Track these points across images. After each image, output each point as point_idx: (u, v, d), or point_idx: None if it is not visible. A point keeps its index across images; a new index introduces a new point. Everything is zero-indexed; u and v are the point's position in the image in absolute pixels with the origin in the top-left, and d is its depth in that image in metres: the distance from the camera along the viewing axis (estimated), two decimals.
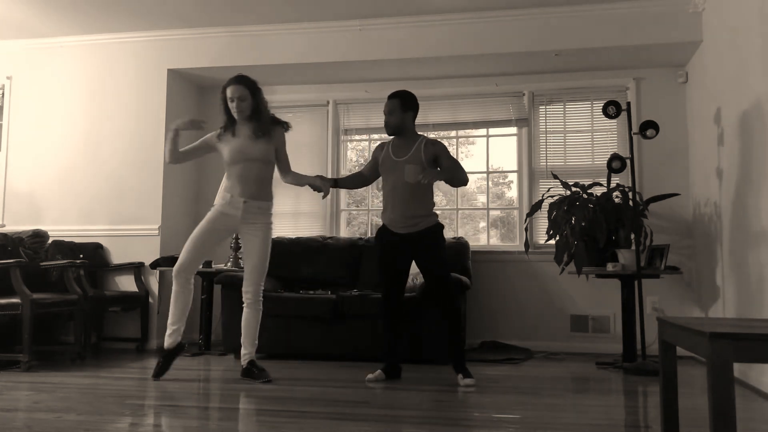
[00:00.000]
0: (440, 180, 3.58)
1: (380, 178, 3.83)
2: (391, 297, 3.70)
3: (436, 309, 4.07)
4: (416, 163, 3.59)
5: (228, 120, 3.66)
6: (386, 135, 3.60)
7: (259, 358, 4.48)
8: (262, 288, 3.64)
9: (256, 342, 3.66)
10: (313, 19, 5.00)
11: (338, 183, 3.83)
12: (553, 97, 5.27)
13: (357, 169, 5.61)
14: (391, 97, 3.72)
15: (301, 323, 4.41)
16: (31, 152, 5.39)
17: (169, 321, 3.65)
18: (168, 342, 3.65)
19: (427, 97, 5.39)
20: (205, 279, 4.85)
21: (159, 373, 3.62)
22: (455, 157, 3.98)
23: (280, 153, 3.70)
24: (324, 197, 3.72)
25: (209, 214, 3.63)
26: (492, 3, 4.68)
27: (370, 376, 3.60)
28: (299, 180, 3.74)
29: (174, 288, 3.62)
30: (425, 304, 4.20)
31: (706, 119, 4.42)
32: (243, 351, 3.65)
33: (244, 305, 3.63)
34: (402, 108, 3.67)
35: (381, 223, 3.75)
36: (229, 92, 3.57)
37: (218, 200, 3.66)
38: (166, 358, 3.66)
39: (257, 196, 3.61)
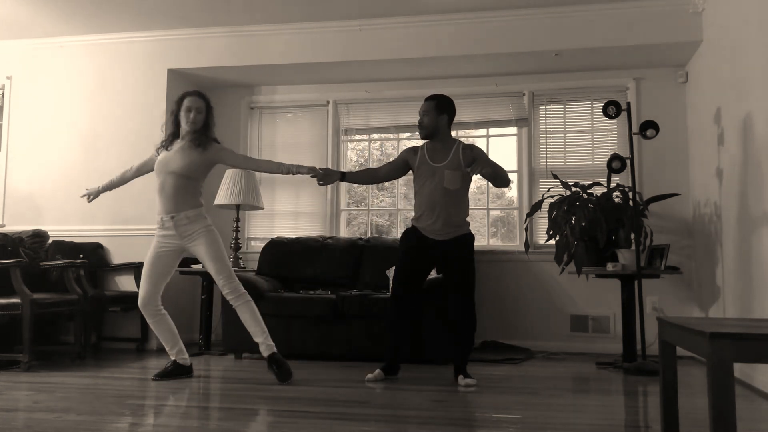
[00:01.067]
0: (485, 173, 3.47)
1: (389, 179, 3.83)
2: (405, 299, 3.63)
3: (437, 309, 4.09)
4: (455, 168, 3.56)
5: (172, 133, 3.65)
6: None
7: (259, 359, 4.49)
8: (238, 281, 3.60)
9: (266, 330, 3.61)
10: (313, 19, 5.00)
11: (346, 177, 3.77)
12: (553, 97, 5.27)
13: (357, 169, 5.64)
14: (428, 99, 3.69)
15: (301, 323, 4.40)
16: (31, 152, 5.39)
17: (167, 348, 3.69)
18: (179, 359, 3.68)
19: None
20: (205, 279, 4.85)
21: (162, 376, 3.61)
22: None
23: (230, 159, 3.68)
24: (321, 185, 3.68)
25: (152, 242, 3.63)
26: (492, 3, 4.68)
27: (369, 375, 3.59)
28: (282, 168, 3.58)
29: (148, 320, 3.65)
30: (426, 304, 4.19)
31: (706, 119, 4.42)
32: (260, 345, 3.60)
33: (233, 306, 3.61)
34: (437, 110, 3.63)
35: (407, 226, 3.74)
36: (187, 102, 3.59)
37: (156, 225, 3.65)
38: (176, 371, 3.66)
39: (180, 208, 3.56)
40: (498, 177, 3.59)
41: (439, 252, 3.58)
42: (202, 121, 3.61)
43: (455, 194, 3.57)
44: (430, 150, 3.66)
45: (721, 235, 4.09)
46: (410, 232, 3.69)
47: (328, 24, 5.03)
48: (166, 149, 3.64)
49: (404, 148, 4.00)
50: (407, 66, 5.12)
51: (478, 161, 3.47)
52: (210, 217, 3.53)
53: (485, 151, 5.32)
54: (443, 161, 3.60)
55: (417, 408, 2.90)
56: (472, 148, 3.66)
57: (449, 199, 3.56)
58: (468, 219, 3.69)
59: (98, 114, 5.33)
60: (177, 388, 3.34)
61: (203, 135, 3.60)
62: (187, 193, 3.59)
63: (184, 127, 3.61)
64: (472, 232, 3.73)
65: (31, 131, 5.42)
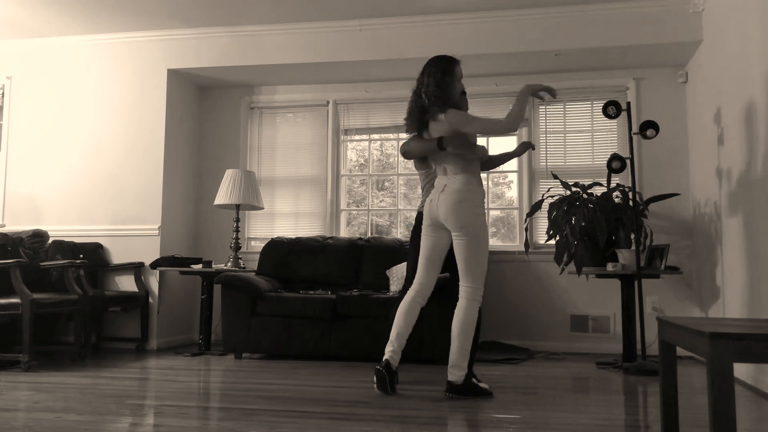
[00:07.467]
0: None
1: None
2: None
3: (438, 308, 4.09)
4: None
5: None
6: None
7: (259, 359, 4.50)
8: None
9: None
10: (313, 19, 5.00)
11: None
12: None
13: (357, 170, 5.64)
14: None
15: (301, 323, 4.40)
16: (31, 152, 5.39)
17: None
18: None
19: None
20: (205, 279, 4.85)
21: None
22: None
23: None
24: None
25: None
26: (492, 3, 4.68)
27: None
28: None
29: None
30: (426, 304, 4.19)
31: (706, 119, 4.42)
32: (455, 368, 3.13)
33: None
34: None
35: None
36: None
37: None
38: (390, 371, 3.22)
39: None
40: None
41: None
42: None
43: None
44: None
45: (721, 235, 4.09)
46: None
47: (328, 24, 5.03)
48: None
49: None
50: (407, 66, 5.11)
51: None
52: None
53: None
54: None
55: (417, 408, 2.90)
56: None
57: None
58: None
59: (98, 114, 5.33)
60: (177, 389, 3.34)
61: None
62: None
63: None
64: None
65: (31, 131, 5.42)
